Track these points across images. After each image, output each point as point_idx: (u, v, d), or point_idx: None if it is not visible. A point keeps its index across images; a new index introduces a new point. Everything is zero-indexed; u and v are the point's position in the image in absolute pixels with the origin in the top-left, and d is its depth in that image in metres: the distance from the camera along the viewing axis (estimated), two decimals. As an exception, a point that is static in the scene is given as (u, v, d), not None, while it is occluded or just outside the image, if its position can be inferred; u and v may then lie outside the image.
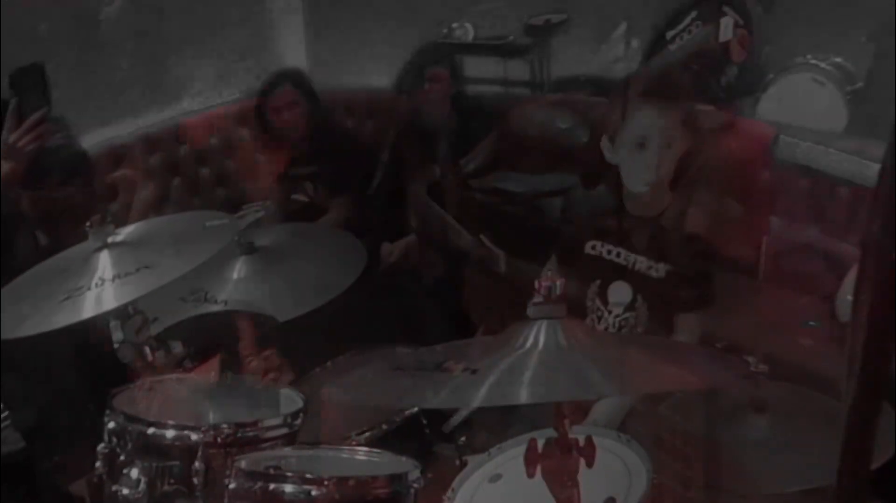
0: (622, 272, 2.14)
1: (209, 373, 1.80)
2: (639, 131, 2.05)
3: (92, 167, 2.76)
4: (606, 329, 2.14)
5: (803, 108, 2.67)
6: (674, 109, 2.07)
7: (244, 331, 2.05)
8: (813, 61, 2.76)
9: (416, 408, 1.90)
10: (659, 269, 2.10)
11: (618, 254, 2.15)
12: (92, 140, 2.89)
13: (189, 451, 1.55)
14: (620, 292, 2.15)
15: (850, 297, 0.85)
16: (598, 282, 2.18)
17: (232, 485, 1.47)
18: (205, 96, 3.38)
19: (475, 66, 3.29)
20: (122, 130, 3.12)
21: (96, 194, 2.73)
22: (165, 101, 3.28)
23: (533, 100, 3.21)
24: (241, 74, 3.40)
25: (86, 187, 2.64)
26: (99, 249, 1.81)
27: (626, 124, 2.09)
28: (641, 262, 2.12)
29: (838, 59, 2.74)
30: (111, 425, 1.62)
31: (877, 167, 0.80)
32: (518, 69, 3.28)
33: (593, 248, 2.20)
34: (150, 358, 1.78)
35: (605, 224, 2.19)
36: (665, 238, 2.11)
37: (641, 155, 2.06)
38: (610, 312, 2.15)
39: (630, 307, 2.14)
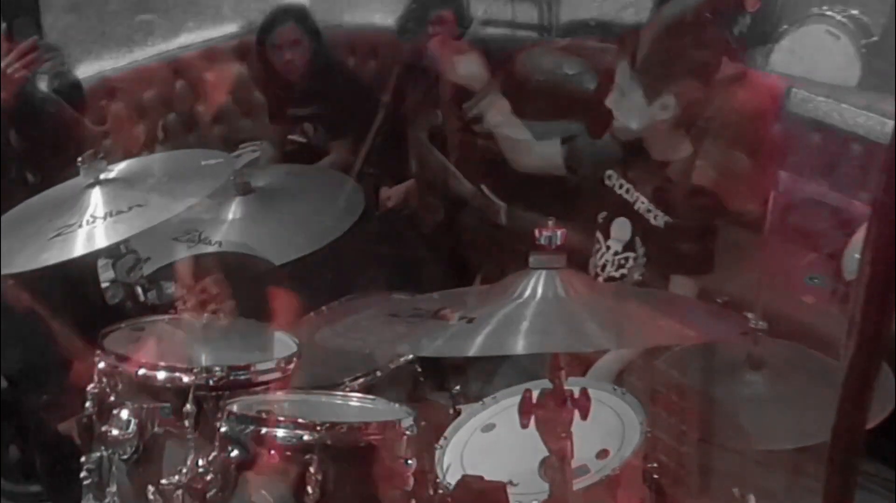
0: (628, 208, 2.12)
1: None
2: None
3: (85, 98, 2.69)
4: (604, 266, 2.13)
5: (817, 60, 2.62)
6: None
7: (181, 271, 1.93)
8: (828, 13, 2.69)
9: (410, 356, 1.89)
10: (658, 218, 2.07)
11: (627, 190, 2.13)
12: (83, 73, 2.82)
13: (180, 393, 1.54)
14: (621, 228, 2.13)
15: (857, 256, 0.82)
16: (604, 214, 2.16)
17: (223, 429, 1.46)
18: (203, 30, 3.30)
19: (482, 8, 3.21)
20: (116, 63, 3.05)
21: (88, 127, 2.66)
22: (162, 34, 3.20)
23: (540, 44, 3.14)
24: (241, 8, 3.31)
25: (78, 119, 2.58)
26: (91, 186, 1.77)
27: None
28: (642, 204, 2.10)
29: (854, 12, 2.68)
30: (101, 365, 1.60)
31: (890, 123, 0.77)
32: (526, 12, 3.21)
33: (608, 177, 2.17)
34: (141, 298, 1.76)
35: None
36: (670, 188, 2.08)
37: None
38: (608, 248, 2.14)
39: (630, 247, 2.11)
